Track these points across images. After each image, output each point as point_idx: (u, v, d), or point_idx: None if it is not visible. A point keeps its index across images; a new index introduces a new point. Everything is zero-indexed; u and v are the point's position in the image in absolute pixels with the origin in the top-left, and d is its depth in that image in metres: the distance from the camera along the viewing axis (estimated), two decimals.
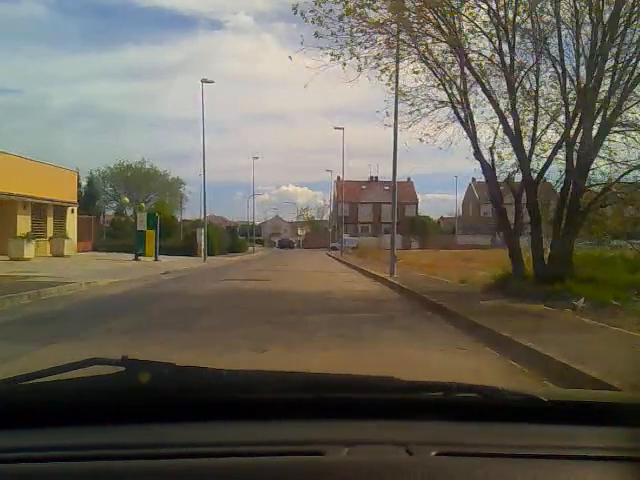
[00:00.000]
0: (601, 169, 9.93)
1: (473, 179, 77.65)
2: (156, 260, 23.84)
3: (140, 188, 50.17)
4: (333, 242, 63.01)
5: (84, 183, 41.61)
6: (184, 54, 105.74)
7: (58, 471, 0.92)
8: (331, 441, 0.98)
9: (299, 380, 1.22)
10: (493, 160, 11.23)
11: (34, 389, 1.14)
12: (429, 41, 10.09)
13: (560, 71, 9.26)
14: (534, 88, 9.88)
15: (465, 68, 10.05)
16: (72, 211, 28.59)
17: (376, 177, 77.43)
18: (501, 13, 9.38)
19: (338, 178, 75.05)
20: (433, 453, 0.94)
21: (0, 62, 71.92)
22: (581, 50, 9.08)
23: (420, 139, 12.70)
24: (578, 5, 8.90)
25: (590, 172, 9.58)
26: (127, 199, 43.65)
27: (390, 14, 9.64)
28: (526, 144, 10.23)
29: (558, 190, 10.23)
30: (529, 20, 9.41)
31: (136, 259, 23.98)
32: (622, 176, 9.65)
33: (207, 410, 1.09)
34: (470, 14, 9.65)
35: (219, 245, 39.36)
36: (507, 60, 9.50)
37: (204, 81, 26.39)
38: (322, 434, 1.03)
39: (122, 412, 1.08)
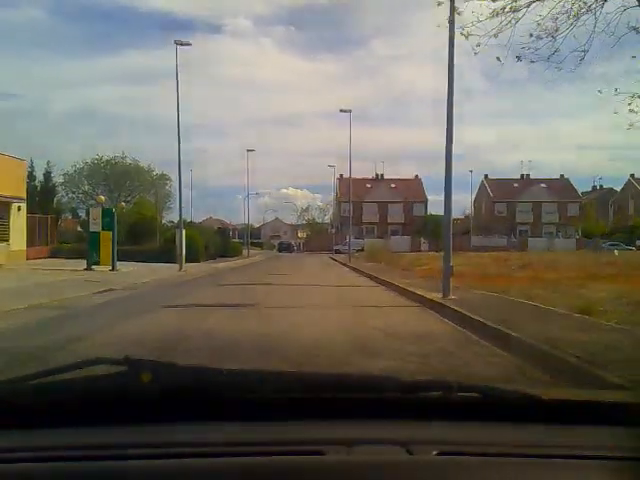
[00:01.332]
0: None
1: (486, 175, 72.47)
2: (113, 270, 18.31)
3: (121, 185, 44.63)
4: (337, 245, 57.47)
5: (40, 176, 35.62)
6: (183, 58, 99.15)
7: (59, 471, 0.91)
8: (331, 441, 0.97)
9: (299, 380, 1.19)
10: None
11: (36, 389, 1.11)
12: None
13: None
14: None
15: None
16: (19, 209, 23.10)
17: (382, 174, 71.85)
18: None
19: (341, 176, 70.04)
20: (433, 453, 0.93)
21: (0, 67, 68.06)
22: None
23: (518, 57, 7.19)
24: None
25: None
26: (103, 197, 38.04)
27: None
28: None
29: None
30: None
31: (89, 268, 18.48)
32: None
33: (208, 410, 1.07)
34: None
35: (207, 249, 33.92)
36: None
37: (178, 43, 20.89)
38: (322, 434, 1.01)
39: (124, 412, 1.06)
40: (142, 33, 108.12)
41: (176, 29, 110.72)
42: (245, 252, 43.59)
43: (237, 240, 59.94)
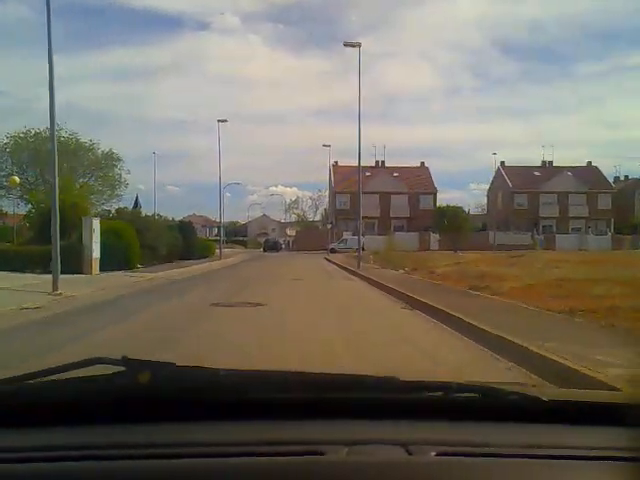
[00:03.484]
0: None
1: (502, 162, 62.73)
2: None
3: (57, 166, 34.31)
4: (332, 242, 47.34)
5: None
6: (172, 55, 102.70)
7: (58, 471, 0.91)
8: (331, 441, 0.96)
9: (299, 380, 1.18)
10: None
11: (35, 388, 1.12)
12: None
13: None
14: None
15: None
16: None
17: (382, 162, 61.79)
18: None
19: (336, 163, 60.05)
20: (433, 453, 0.93)
21: None
22: None
23: None
24: None
25: None
26: (17, 179, 27.86)
27: None
28: None
29: None
30: None
31: None
32: None
33: (207, 410, 1.06)
34: None
35: (156, 250, 23.86)
36: None
37: None
38: (322, 434, 1.00)
39: (122, 412, 1.05)
40: (130, 30, 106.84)
41: (164, 25, 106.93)
42: (217, 252, 33.51)
43: (217, 238, 50.56)
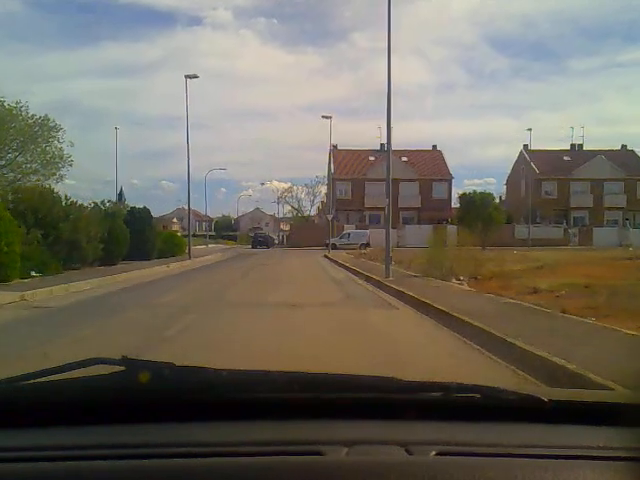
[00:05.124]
0: None
1: (525, 146, 54.66)
2: None
3: None
4: (333, 237, 39.00)
5: None
6: (164, 51, 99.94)
7: (58, 470, 0.90)
8: (331, 441, 0.96)
9: (299, 380, 1.16)
10: None
11: (35, 388, 1.11)
12: None
13: None
14: None
15: None
16: None
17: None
18: None
19: (335, 147, 51.90)
20: (433, 453, 0.92)
21: None
22: None
23: None
24: None
25: None
26: None
27: None
28: None
29: None
30: None
31: None
32: None
33: (207, 410, 1.05)
34: None
35: (79, 250, 15.78)
36: None
37: None
38: (322, 434, 1.00)
39: (122, 412, 1.04)
40: (122, 25, 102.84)
41: (157, 21, 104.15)
42: (200, 249, 25.18)
43: (205, 233, 42.76)
